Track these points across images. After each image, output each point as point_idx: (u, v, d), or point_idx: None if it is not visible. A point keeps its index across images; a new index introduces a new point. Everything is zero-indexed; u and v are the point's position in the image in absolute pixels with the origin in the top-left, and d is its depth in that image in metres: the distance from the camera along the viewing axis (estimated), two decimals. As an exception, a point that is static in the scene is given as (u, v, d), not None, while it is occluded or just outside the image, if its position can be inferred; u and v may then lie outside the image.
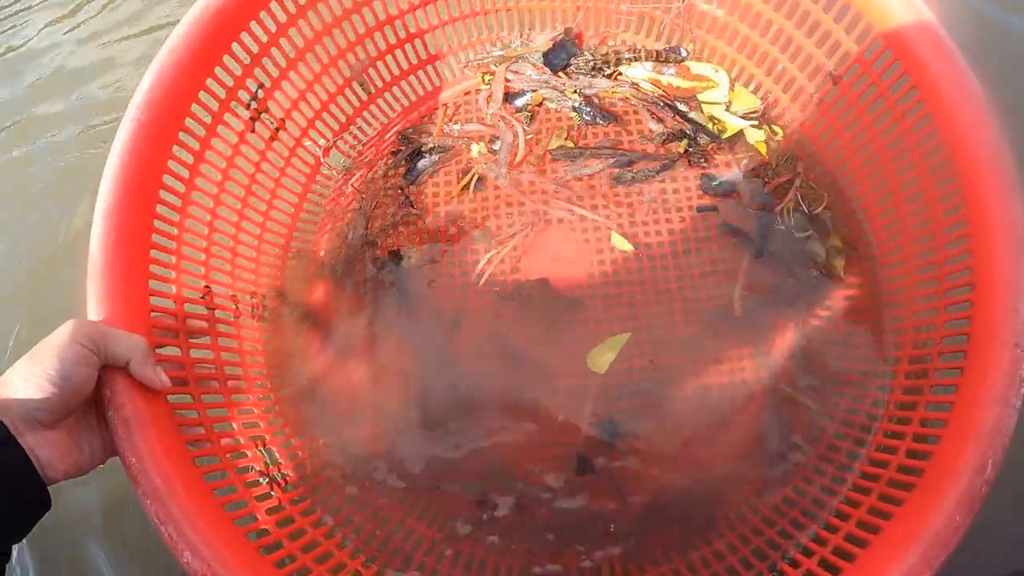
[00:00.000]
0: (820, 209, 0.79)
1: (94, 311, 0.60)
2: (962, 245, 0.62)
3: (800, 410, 0.73)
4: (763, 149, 0.82)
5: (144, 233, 0.65)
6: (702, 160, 0.82)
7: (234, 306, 0.75)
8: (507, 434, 0.75)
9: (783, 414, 0.73)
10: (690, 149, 0.82)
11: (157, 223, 0.67)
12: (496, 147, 0.84)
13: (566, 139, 0.84)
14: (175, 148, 0.69)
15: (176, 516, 0.56)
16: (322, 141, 0.85)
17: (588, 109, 0.84)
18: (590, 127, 0.85)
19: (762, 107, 0.83)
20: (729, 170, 0.83)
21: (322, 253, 0.84)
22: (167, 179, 0.68)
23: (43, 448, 0.52)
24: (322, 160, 0.85)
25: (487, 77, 0.88)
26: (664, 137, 0.83)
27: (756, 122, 0.82)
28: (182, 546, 0.55)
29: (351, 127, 0.88)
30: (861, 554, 0.57)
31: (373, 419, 0.77)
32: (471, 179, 0.83)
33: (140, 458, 0.57)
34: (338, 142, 0.87)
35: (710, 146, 0.82)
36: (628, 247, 0.79)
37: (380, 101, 0.90)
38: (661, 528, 0.70)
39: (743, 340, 0.76)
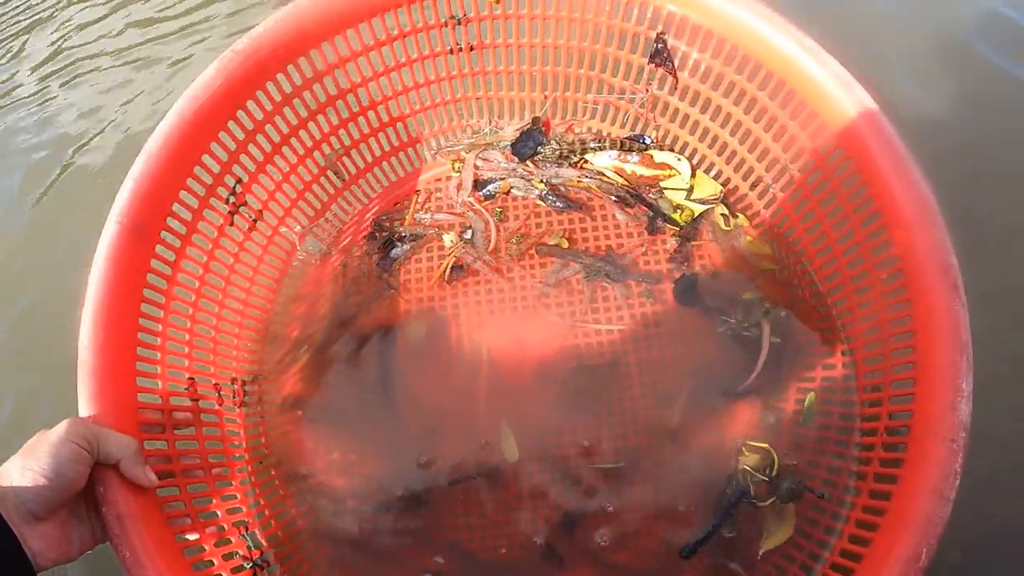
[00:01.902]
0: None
1: (85, 410, 0.67)
2: (906, 340, 0.69)
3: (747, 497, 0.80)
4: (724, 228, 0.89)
5: (130, 333, 0.72)
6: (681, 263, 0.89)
7: (216, 394, 0.82)
8: (477, 517, 0.81)
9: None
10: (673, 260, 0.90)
11: (142, 321, 0.73)
12: (467, 235, 0.92)
13: (562, 238, 0.91)
14: (158, 248, 0.75)
15: None
16: (298, 228, 0.93)
17: (554, 198, 0.92)
18: (557, 214, 0.93)
19: (722, 192, 0.91)
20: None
21: (299, 338, 0.91)
22: (151, 278, 0.75)
23: (35, 539, 0.58)
24: (298, 247, 0.93)
25: (457, 165, 0.96)
26: (636, 222, 0.91)
27: (721, 207, 0.90)
28: None
29: (326, 213, 0.95)
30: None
31: (350, 500, 0.83)
32: (446, 267, 0.90)
33: (134, 552, 0.63)
34: (314, 228, 0.94)
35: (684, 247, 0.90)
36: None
37: (354, 188, 0.97)
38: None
39: (701, 430, 0.83)
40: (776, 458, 0.79)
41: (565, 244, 0.91)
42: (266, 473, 0.85)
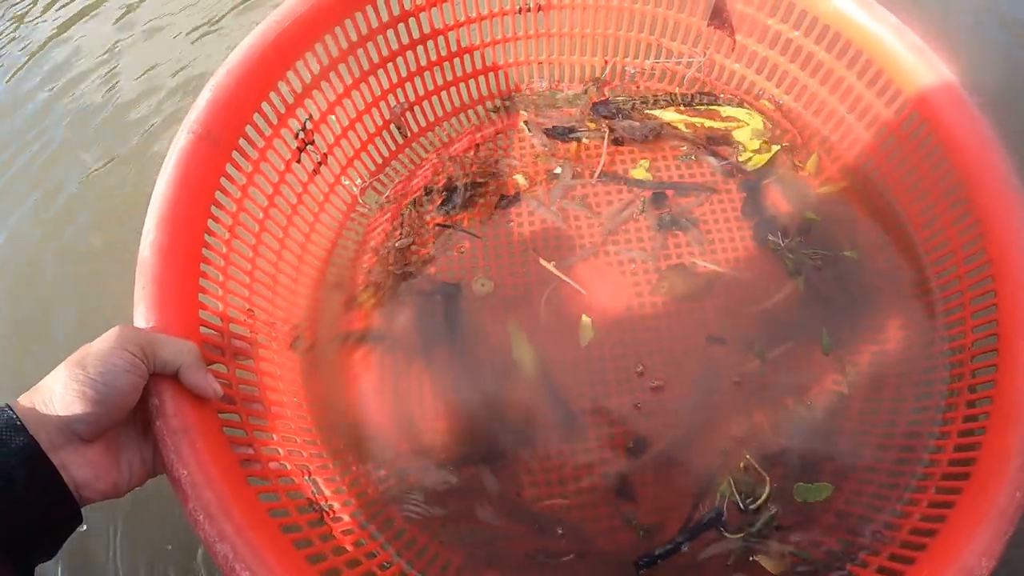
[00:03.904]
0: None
1: (143, 318, 0.56)
2: (987, 285, 0.65)
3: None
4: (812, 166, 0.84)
5: (196, 245, 0.63)
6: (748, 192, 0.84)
7: (273, 332, 0.71)
8: (544, 472, 0.72)
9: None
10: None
11: (208, 238, 0.64)
12: (556, 170, 0.86)
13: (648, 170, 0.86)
14: (228, 166, 0.67)
15: (231, 535, 0.50)
16: (359, 181, 0.85)
17: (631, 132, 0.87)
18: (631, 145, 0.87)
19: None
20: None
21: (360, 287, 0.81)
22: (219, 196, 0.66)
23: (80, 467, 0.47)
24: (359, 199, 0.85)
25: (528, 125, 0.89)
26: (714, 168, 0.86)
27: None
28: (239, 568, 0.49)
29: (386, 168, 0.88)
30: (931, 542, 0.56)
31: (418, 452, 0.72)
32: (503, 197, 0.84)
33: (192, 472, 0.51)
34: (374, 182, 0.87)
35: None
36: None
37: (415, 145, 0.90)
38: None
39: (776, 371, 0.75)
40: (768, 490, 0.69)
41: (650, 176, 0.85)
42: (325, 420, 0.73)
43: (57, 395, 0.45)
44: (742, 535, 0.68)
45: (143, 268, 0.58)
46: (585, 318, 0.78)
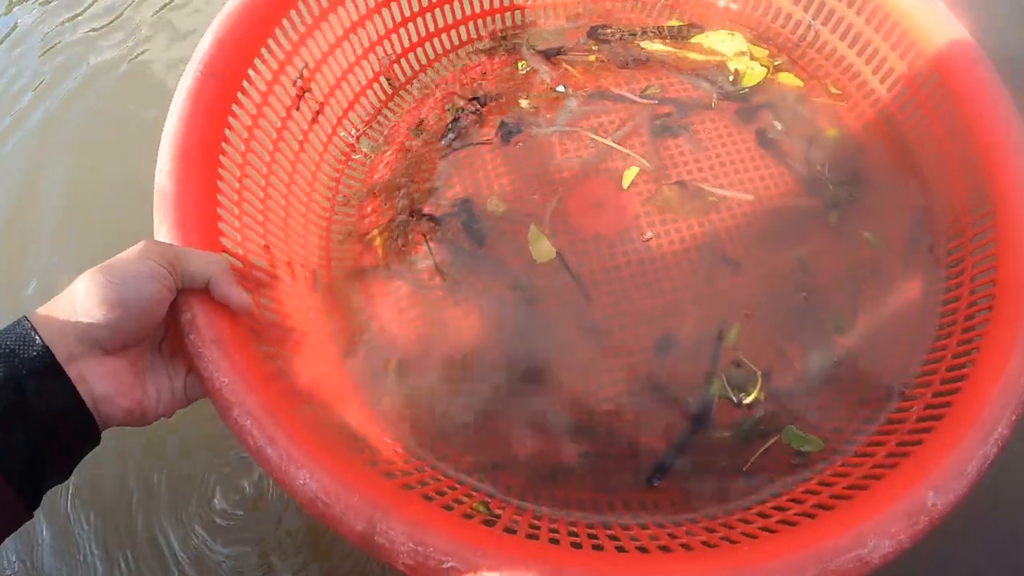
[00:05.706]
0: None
1: (167, 240, 0.54)
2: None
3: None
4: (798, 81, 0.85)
5: (211, 176, 0.61)
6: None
7: (290, 270, 0.69)
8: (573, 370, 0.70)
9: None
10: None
11: (221, 171, 0.62)
12: (560, 89, 0.85)
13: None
14: (234, 106, 0.65)
15: (281, 438, 0.48)
16: (354, 131, 0.83)
17: (619, 56, 0.86)
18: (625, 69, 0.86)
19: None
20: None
21: (370, 224, 0.79)
22: (228, 133, 0.64)
23: (100, 378, 0.43)
24: (356, 146, 0.83)
25: (521, 63, 0.88)
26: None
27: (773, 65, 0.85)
28: (295, 468, 0.46)
29: (379, 117, 0.86)
30: (971, 371, 0.56)
31: (443, 364, 0.69)
32: (501, 124, 0.83)
33: (232, 379, 0.49)
34: (368, 130, 0.85)
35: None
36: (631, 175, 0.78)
37: (403, 92, 0.89)
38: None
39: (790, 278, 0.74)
40: (759, 385, 0.68)
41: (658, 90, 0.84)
42: (349, 349, 0.70)
43: (79, 301, 0.42)
44: (731, 434, 0.66)
45: (161, 195, 0.56)
46: (593, 231, 0.77)
